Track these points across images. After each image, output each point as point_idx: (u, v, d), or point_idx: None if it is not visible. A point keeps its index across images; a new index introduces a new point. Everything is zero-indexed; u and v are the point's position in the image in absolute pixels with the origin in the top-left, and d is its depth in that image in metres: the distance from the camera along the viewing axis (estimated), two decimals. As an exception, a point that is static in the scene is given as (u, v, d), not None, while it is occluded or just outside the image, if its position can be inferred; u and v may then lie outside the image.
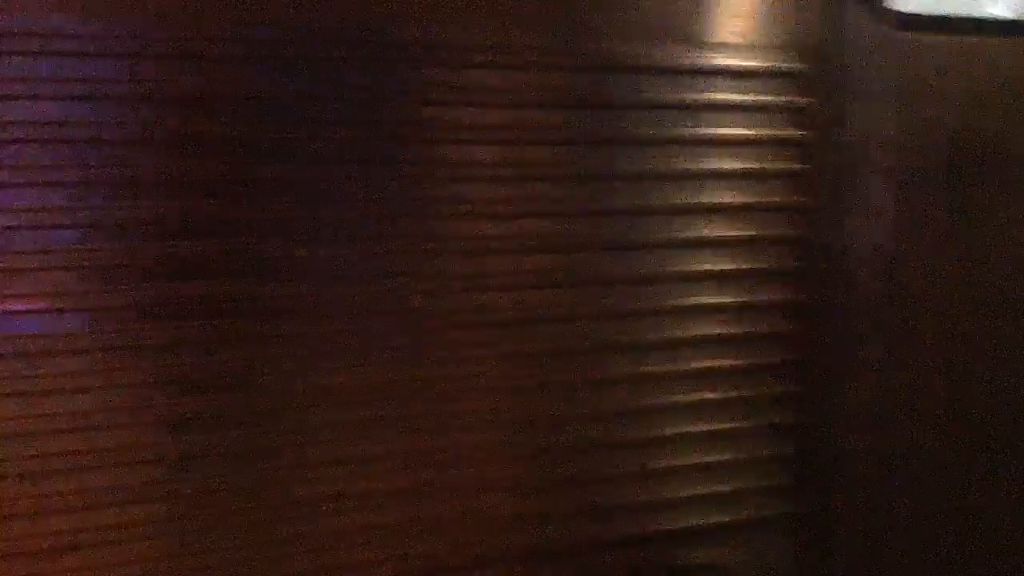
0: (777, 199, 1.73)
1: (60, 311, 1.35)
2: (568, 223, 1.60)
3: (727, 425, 1.73)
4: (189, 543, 1.43)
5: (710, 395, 1.71)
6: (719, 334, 1.71)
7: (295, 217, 1.44)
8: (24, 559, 1.35)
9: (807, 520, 1.79)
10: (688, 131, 1.66)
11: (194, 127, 1.38)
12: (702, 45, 1.66)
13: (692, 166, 1.67)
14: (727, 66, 1.67)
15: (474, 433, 1.57)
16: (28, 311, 1.34)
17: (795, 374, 1.76)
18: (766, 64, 1.70)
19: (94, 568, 1.39)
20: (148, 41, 1.35)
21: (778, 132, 1.72)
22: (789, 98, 1.72)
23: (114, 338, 1.37)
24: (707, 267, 1.69)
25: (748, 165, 1.70)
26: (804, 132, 1.72)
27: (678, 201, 1.66)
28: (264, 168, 1.42)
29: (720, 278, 1.70)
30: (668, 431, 1.69)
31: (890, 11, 1.75)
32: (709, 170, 1.68)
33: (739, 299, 1.71)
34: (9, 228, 1.32)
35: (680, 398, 1.69)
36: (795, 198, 1.73)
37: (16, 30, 1.29)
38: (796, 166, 1.73)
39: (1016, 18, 1.85)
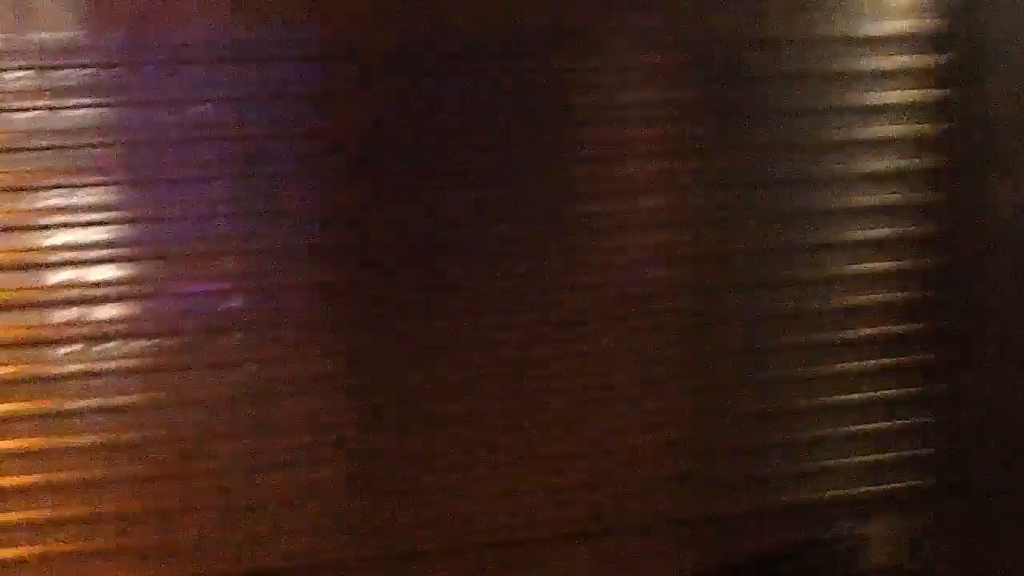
0: (919, 163, 1.70)
1: (244, 291, 1.48)
2: (728, 194, 1.63)
3: (873, 394, 1.71)
4: (366, 506, 1.55)
5: (855, 364, 1.70)
6: (865, 302, 1.69)
7: (466, 201, 1.53)
8: (209, 514, 1.50)
9: (951, 492, 1.75)
10: (829, 101, 1.65)
11: (371, 125, 1.50)
12: (842, 13, 1.64)
13: (835, 135, 1.66)
14: (865, 33, 1.65)
15: (637, 402, 1.62)
16: (213, 291, 1.48)
17: (940, 342, 1.73)
18: (904, 27, 1.67)
19: (278, 527, 1.52)
20: (332, 47, 1.47)
21: (918, 95, 1.68)
22: (928, 60, 1.68)
23: (295, 315, 1.50)
24: (853, 236, 1.68)
25: (889, 131, 1.68)
26: (943, 93, 1.68)
27: (822, 170, 1.66)
28: (439, 161, 1.52)
29: (865, 246, 1.69)
30: (817, 401, 1.69)
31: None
32: (853, 139, 1.67)
33: (884, 266, 1.70)
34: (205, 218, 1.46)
35: (827, 368, 1.69)
36: (936, 161, 1.70)
37: (208, 39, 1.44)
38: (936, 128, 1.70)
39: None
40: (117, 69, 1.42)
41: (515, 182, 1.56)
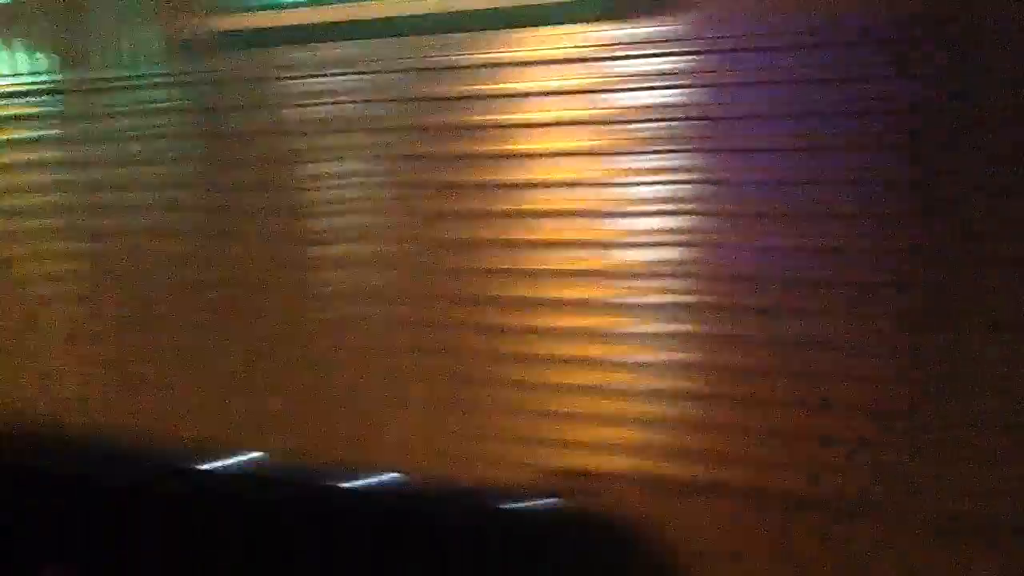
0: None
1: (799, 251, 1.71)
2: None
3: None
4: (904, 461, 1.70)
5: None
6: None
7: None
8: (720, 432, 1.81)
9: None
10: None
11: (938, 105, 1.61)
12: None
13: None
14: None
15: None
16: (768, 248, 1.73)
17: None
18: None
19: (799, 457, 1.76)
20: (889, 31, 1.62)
21: None
22: None
23: (841, 278, 1.69)
24: None
25: None
26: None
27: None
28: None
29: None
30: None
31: None
32: None
33: None
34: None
35: None
36: None
37: (779, 27, 1.68)
38: None
39: None
40: (701, 56, 1.73)
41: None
